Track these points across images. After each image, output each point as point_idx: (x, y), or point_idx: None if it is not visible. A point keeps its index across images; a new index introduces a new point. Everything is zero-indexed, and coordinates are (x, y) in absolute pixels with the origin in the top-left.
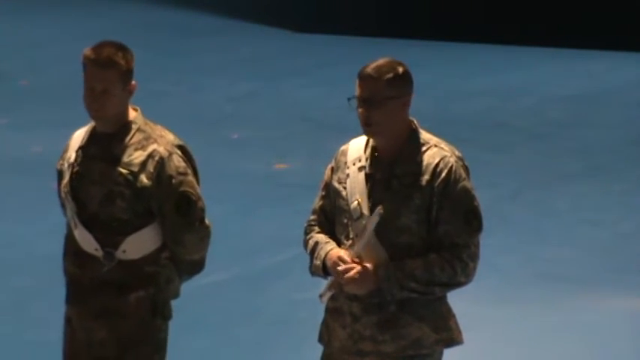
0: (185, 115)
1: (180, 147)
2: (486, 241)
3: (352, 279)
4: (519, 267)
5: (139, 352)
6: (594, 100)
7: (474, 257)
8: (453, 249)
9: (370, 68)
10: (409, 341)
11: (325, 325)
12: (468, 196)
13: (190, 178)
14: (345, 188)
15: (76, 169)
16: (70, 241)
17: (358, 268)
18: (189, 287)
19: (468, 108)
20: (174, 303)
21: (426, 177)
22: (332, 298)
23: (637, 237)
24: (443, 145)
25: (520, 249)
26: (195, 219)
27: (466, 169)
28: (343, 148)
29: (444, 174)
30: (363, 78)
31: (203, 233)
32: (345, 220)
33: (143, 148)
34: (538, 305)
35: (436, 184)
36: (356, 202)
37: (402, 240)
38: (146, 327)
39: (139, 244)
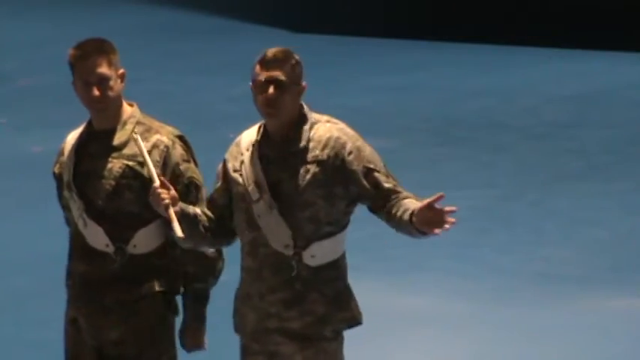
0: (185, 115)
1: (180, 137)
2: (486, 241)
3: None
4: (519, 267)
5: (158, 348)
6: (594, 100)
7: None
8: (397, 191)
9: (274, 52)
10: (315, 318)
11: (237, 313)
12: (377, 153)
13: (193, 165)
14: (241, 175)
15: (78, 168)
16: (77, 241)
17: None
18: None
19: (468, 108)
20: None
21: (327, 151)
22: (240, 286)
23: (636, 237)
24: (334, 120)
25: (520, 249)
26: (202, 205)
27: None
28: (236, 140)
29: (350, 143)
30: (271, 61)
31: None
32: (244, 206)
33: (146, 139)
34: (538, 305)
35: (346, 153)
36: (253, 184)
37: (306, 214)
38: (162, 323)
39: (149, 238)
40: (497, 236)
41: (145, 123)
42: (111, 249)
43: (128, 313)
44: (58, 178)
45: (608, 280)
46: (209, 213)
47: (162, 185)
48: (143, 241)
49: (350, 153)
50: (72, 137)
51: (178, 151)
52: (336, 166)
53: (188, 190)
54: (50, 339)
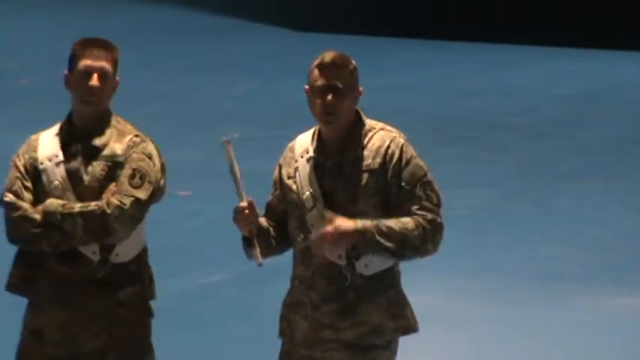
0: (185, 114)
1: (153, 143)
2: (486, 241)
3: (331, 235)
4: (520, 266)
5: (139, 353)
6: (595, 98)
7: (441, 228)
8: (423, 215)
9: (333, 57)
10: (369, 328)
11: (285, 319)
12: (422, 172)
13: (152, 165)
14: (295, 182)
15: (67, 169)
16: None
17: (335, 225)
18: (189, 286)
19: (468, 107)
20: (175, 301)
21: (378, 160)
22: (290, 293)
23: (638, 235)
24: (389, 127)
25: (520, 248)
26: (141, 196)
27: (414, 147)
28: (290, 144)
29: (397, 154)
30: (330, 67)
31: (136, 213)
32: (298, 213)
33: (121, 140)
34: (539, 304)
35: (391, 165)
36: (308, 193)
37: None
38: (142, 328)
39: (130, 247)
40: (498, 235)
41: (118, 127)
42: (97, 257)
43: (110, 323)
44: (33, 170)
45: (609, 279)
46: (270, 221)
47: (250, 206)
48: (125, 250)
49: (395, 165)
50: (47, 138)
51: (147, 147)
52: (385, 176)
53: (132, 175)
54: None
